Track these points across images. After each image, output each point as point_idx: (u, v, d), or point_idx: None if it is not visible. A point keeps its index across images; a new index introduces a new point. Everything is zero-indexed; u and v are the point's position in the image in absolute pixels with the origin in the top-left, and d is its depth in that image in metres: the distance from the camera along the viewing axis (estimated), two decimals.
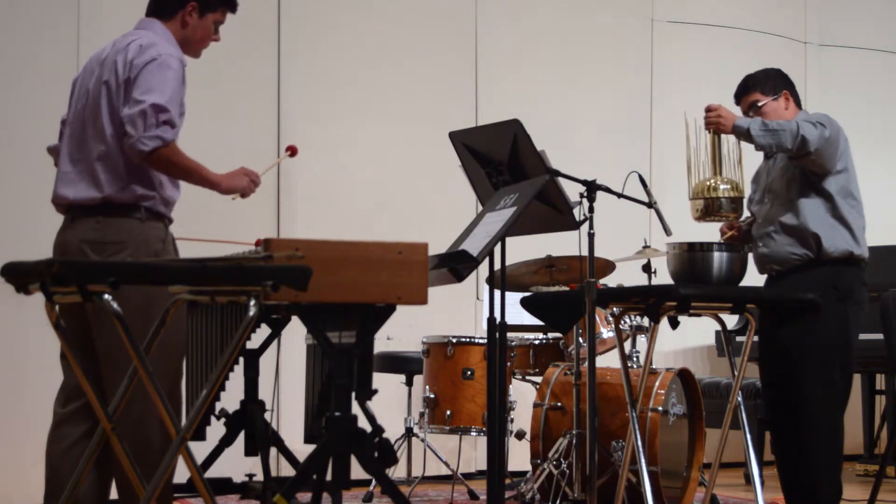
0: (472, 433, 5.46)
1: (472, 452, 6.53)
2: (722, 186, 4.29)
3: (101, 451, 3.08)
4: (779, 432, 4.39)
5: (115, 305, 2.69)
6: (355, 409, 3.12)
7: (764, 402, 4.55)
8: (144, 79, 3.57)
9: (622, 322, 5.29)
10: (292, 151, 4.25)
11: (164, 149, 3.53)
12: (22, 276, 2.80)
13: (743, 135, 4.23)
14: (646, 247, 5.37)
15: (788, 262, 4.34)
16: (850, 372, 4.34)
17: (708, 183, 4.30)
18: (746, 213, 4.51)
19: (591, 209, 4.26)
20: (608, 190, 4.35)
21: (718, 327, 4.46)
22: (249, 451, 3.42)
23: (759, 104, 4.40)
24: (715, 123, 4.28)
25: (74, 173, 3.66)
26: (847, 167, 4.34)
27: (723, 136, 4.32)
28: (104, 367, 3.54)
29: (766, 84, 4.44)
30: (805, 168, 4.29)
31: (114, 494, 3.64)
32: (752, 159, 4.56)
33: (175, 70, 3.60)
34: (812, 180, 4.31)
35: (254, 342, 3.31)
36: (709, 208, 4.31)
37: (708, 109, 4.31)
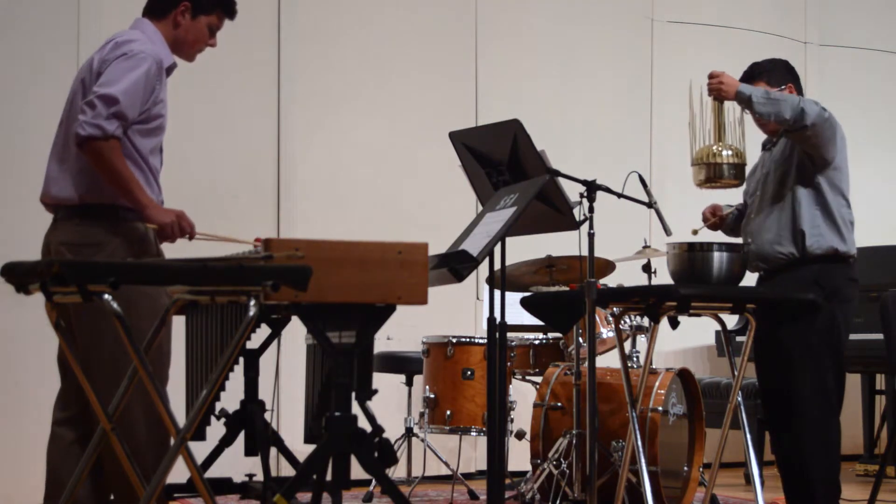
0: (472, 433, 5.46)
1: (472, 452, 6.53)
2: (724, 153, 4.25)
3: (97, 455, 3.08)
4: (776, 432, 4.40)
5: (115, 305, 2.70)
6: (355, 409, 3.12)
7: (762, 402, 4.55)
8: (107, 72, 3.57)
9: (622, 322, 5.29)
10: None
11: (101, 141, 3.49)
12: (22, 276, 2.80)
13: (744, 102, 4.21)
14: (646, 247, 5.36)
15: (775, 261, 4.35)
16: (842, 369, 4.35)
17: (710, 149, 4.27)
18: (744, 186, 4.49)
19: (591, 209, 4.26)
20: (608, 190, 4.34)
21: (718, 327, 4.47)
22: (249, 451, 3.41)
23: None
24: (717, 90, 4.25)
25: (59, 171, 3.67)
26: (842, 165, 4.34)
27: (726, 103, 4.29)
28: (82, 367, 3.54)
29: (772, 74, 4.43)
30: (803, 147, 4.26)
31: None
32: (756, 130, 4.53)
33: (143, 67, 3.58)
34: (806, 175, 4.31)
35: (254, 342, 3.31)
36: (710, 174, 4.27)
37: (710, 76, 4.29)
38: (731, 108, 4.34)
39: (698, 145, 4.33)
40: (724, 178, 4.27)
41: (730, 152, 4.26)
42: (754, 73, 4.46)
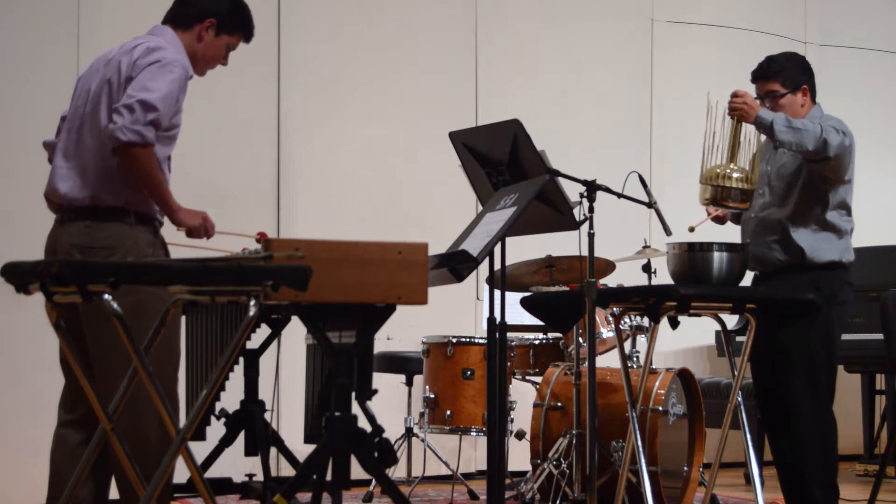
0: (472, 433, 5.46)
1: (472, 452, 6.53)
2: (735, 175, 4.16)
3: (98, 453, 3.08)
4: (773, 434, 4.40)
5: (115, 305, 2.69)
6: (355, 409, 3.12)
7: (758, 403, 4.55)
8: (142, 77, 3.56)
9: (622, 322, 5.28)
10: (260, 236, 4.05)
11: (140, 148, 3.50)
12: (22, 276, 2.80)
13: (765, 128, 4.14)
14: (646, 247, 5.36)
15: (773, 265, 4.36)
16: (834, 372, 4.36)
17: (719, 170, 4.18)
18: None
19: (591, 209, 4.25)
20: (608, 190, 4.34)
21: (718, 327, 4.47)
22: (249, 451, 3.42)
23: (778, 95, 4.33)
24: (740, 110, 4.16)
25: (67, 168, 3.66)
26: (851, 178, 4.33)
27: (743, 124, 4.20)
28: (94, 368, 3.53)
29: (788, 75, 4.35)
30: (819, 174, 4.26)
31: (114, 494, 3.65)
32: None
33: (176, 74, 3.59)
34: (812, 189, 4.29)
35: (254, 342, 3.31)
36: (717, 196, 4.20)
37: (734, 95, 4.20)
38: (746, 130, 4.24)
39: (711, 162, 4.22)
40: (731, 201, 4.18)
41: (740, 175, 4.17)
42: (770, 71, 4.36)
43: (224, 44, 3.87)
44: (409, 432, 5.76)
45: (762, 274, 4.44)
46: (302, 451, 3.37)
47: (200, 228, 3.68)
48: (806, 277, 4.29)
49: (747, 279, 4.37)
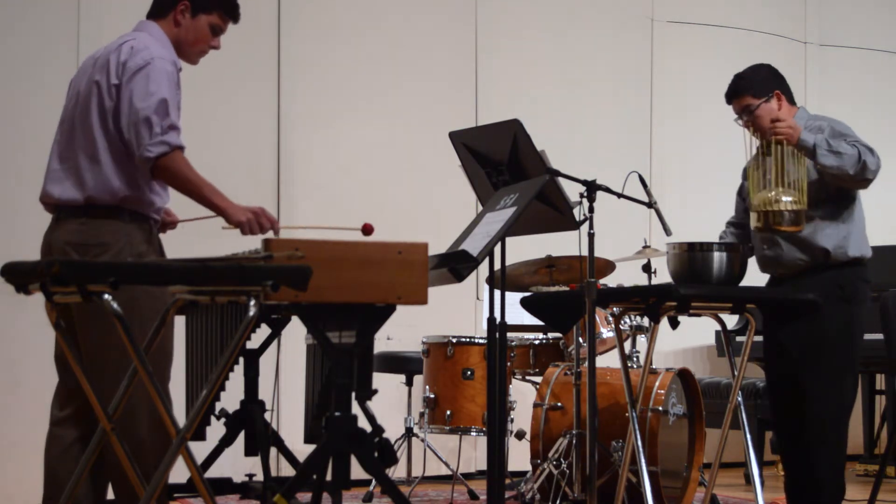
0: (472, 433, 5.46)
1: (472, 452, 6.53)
2: (784, 199, 4.12)
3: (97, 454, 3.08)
4: (784, 432, 4.39)
5: (115, 305, 2.69)
6: (355, 409, 3.12)
7: (769, 401, 4.54)
8: (140, 84, 3.54)
9: (622, 322, 5.29)
10: (366, 230, 3.98)
11: (171, 155, 3.50)
12: (22, 276, 2.80)
13: (807, 151, 4.10)
14: (646, 247, 5.36)
15: (795, 267, 4.32)
16: (856, 371, 4.35)
17: (770, 195, 4.12)
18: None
19: (591, 209, 4.25)
20: (608, 190, 4.34)
21: (718, 327, 4.47)
22: (249, 451, 3.42)
23: (752, 108, 4.30)
24: (786, 135, 4.10)
25: (61, 171, 3.66)
26: None
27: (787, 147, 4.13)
28: (87, 368, 3.53)
29: (757, 86, 4.33)
30: (843, 187, 4.26)
31: (111, 494, 3.65)
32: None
33: (169, 73, 3.58)
34: (833, 191, 4.27)
35: (254, 342, 3.31)
36: (769, 221, 4.15)
37: (776, 120, 4.13)
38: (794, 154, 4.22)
39: (756, 188, 4.18)
40: (784, 224, 4.14)
41: (790, 198, 4.11)
42: (739, 89, 4.34)
43: (205, 24, 3.79)
44: (409, 432, 5.76)
45: (780, 276, 4.42)
46: (302, 451, 3.37)
47: (251, 223, 3.62)
48: (827, 276, 4.27)
49: (749, 280, 4.36)
